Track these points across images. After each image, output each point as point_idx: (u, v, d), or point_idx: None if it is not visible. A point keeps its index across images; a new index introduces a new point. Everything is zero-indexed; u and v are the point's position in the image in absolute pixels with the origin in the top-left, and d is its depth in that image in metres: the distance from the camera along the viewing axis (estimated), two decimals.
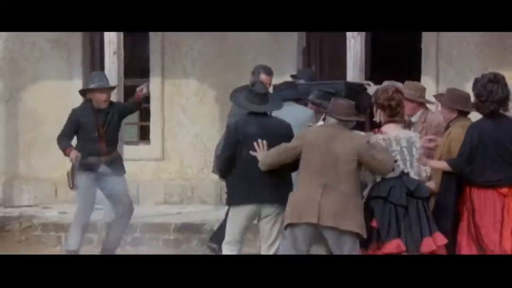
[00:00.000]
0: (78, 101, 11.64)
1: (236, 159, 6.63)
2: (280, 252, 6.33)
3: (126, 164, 10.14)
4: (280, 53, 11.05)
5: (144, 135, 11.83)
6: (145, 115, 11.77)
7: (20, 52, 11.79)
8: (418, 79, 10.35)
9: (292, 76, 9.07)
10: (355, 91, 7.48)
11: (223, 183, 11.17)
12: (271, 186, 6.49)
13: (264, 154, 6.39)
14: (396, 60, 11.77)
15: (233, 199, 6.73)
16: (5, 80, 11.87)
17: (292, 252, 6.05)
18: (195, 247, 9.32)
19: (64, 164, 11.56)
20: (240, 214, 6.67)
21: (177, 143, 11.51)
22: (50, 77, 11.74)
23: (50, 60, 11.62)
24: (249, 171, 6.53)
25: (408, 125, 6.93)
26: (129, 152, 10.58)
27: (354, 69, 9.31)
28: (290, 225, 6.09)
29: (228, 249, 6.74)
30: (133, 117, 11.86)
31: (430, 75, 10.72)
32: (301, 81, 8.40)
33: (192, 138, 11.49)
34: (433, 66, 10.76)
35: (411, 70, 10.70)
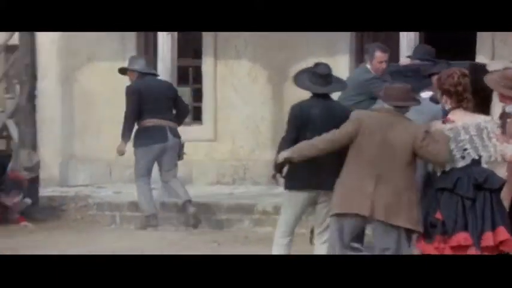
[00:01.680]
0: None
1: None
2: (328, 243, 6.17)
3: None
4: (333, 32, 10.98)
5: (196, 116, 11.89)
6: (198, 96, 11.83)
7: (75, 33, 11.89)
8: (473, 58, 10.25)
9: (408, 57, 8.85)
10: (480, 71, 7.19)
11: None
12: (330, 172, 6.22)
13: (317, 139, 6.11)
14: (450, 39, 11.64)
15: (293, 184, 6.57)
16: (61, 61, 12.02)
17: (338, 244, 5.90)
18: (247, 227, 9.35)
19: (117, 144, 11.73)
20: (297, 200, 6.53)
21: (229, 123, 11.55)
22: (104, 58, 11.85)
23: (104, 42, 11.71)
24: None
25: (503, 116, 6.66)
26: (181, 132, 10.64)
27: (408, 48, 9.24)
28: (337, 215, 5.91)
29: (280, 237, 6.60)
30: (186, 98, 11.95)
31: (485, 54, 10.60)
32: (417, 61, 8.19)
33: (244, 119, 11.52)
34: (488, 45, 10.63)
35: (466, 49, 10.59)
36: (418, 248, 5.87)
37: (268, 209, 9.39)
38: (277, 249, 6.61)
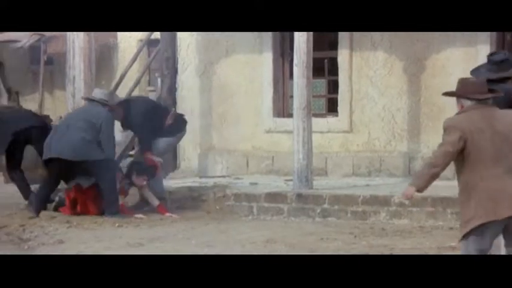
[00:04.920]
0: (268, 74, 11.95)
1: None
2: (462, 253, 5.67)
3: (314, 136, 10.33)
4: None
5: (332, 107, 11.92)
6: (333, 87, 11.86)
7: None
8: None
9: None
10: None
11: (412, 156, 11.22)
12: None
13: (432, 157, 5.54)
14: None
15: None
16: (200, 54, 12.25)
17: (476, 253, 5.46)
18: (383, 219, 9.31)
19: (253, 135, 11.91)
20: None
21: (364, 115, 11.54)
22: (241, 50, 12.03)
23: (242, 35, 11.86)
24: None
25: None
26: (317, 124, 10.73)
27: None
28: (479, 226, 5.41)
29: None
30: (322, 89, 12.02)
31: None
32: None
33: (380, 110, 11.48)
34: None
35: None
36: None
37: (405, 201, 9.32)
38: None
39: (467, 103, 5.51)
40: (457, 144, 5.39)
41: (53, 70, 16.51)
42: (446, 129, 5.47)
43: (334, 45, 11.71)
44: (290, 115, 11.08)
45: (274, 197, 9.77)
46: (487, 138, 5.40)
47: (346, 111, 11.62)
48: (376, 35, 11.41)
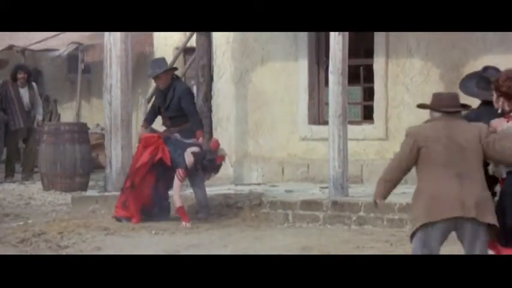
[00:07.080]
0: (303, 81, 11.96)
1: None
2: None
3: (350, 144, 10.31)
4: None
5: (367, 114, 11.89)
6: (369, 95, 11.83)
7: (249, 34, 12.12)
8: None
9: None
10: None
11: None
12: None
13: (384, 172, 5.95)
14: None
15: None
16: (236, 61, 12.28)
17: (425, 252, 5.64)
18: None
19: (289, 143, 11.91)
20: None
21: (400, 122, 11.48)
22: (277, 58, 12.04)
23: (277, 42, 11.89)
24: None
25: None
26: (352, 131, 10.71)
27: None
28: (423, 226, 5.63)
29: None
30: (357, 97, 12.00)
31: None
32: None
33: (416, 118, 11.42)
34: None
35: None
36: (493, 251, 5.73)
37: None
38: None
39: (436, 114, 5.78)
40: (408, 154, 5.74)
41: (90, 78, 16.65)
42: (405, 136, 5.82)
43: (369, 53, 11.68)
44: (325, 122, 11.07)
45: (309, 204, 9.77)
46: (442, 145, 5.64)
47: (381, 118, 11.59)
48: (413, 42, 11.38)
